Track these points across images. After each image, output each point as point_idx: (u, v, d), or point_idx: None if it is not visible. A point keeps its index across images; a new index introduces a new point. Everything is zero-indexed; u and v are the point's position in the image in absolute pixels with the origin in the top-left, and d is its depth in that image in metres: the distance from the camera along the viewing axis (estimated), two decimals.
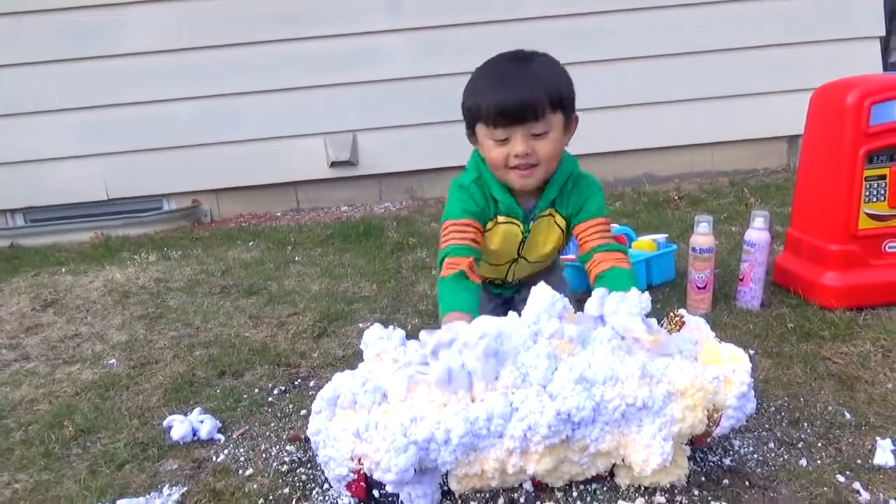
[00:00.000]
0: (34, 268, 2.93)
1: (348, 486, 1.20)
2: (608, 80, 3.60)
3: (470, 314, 1.45)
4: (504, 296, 1.93)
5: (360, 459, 1.16)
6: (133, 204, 3.70)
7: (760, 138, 3.77)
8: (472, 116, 1.56)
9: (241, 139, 3.61)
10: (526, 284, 1.86)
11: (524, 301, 1.49)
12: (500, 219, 1.65)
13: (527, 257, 1.75)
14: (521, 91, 1.47)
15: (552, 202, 1.65)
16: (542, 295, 1.26)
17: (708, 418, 1.18)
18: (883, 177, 1.83)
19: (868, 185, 1.83)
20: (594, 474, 1.21)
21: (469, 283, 1.56)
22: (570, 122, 1.57)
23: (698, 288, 1.95)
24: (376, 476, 1.14)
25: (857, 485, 1.21)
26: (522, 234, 1.68)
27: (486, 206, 1.64)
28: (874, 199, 1.84)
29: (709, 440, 1.28)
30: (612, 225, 1.74)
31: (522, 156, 1.51)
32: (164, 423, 1.53)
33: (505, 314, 1.29)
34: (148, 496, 1.30)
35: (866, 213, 1.85)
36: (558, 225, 1.69)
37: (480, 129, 1.55)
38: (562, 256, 2.19)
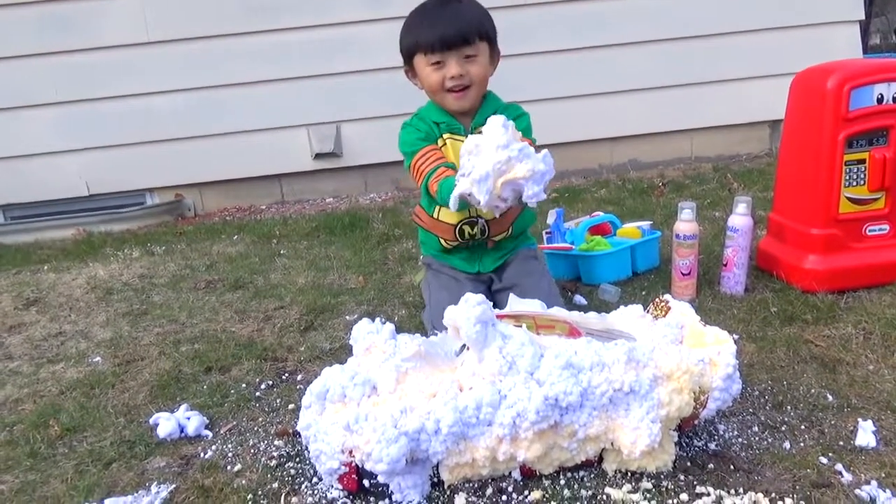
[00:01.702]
0: (15, 266, 2.90)
1: (340, 479, 1.21)
2: (591, 69, 3.60)
3: None
4: (481, 276, 1.91)
5: (351, 452, 1.16)
6: (115, 199, 3.66)
7: (742, 123, 3.79)
8: (411, 49, 1.76)
9: (224, 132, 3.59)
10: (503, 270, 1.89)
11: (505, 290, 1.51)
12: (446, 136, 1.81)
13: None
14: (454, 20, 1.70)
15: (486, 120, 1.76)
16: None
17: (695, 400, 1.20)
18: (862, 161, 1.85)
19: (848, 170, 1.85)
20: (584, 460, 1.22)
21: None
22: (494, 54, 1.79)
23: (683, 274, 1.97)
24: (368, 467, 1.15)
25: (839, 466, 1.22)
26: None
27: (430, 131, 1.81)
28: (854, 184, 1.86)
29: (696, 423, 1.30)
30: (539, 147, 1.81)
31: (457, 77, 1.72)
32: (151, 420, 1.52)
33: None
34: (136, 494, 1.30)
35: (847, 198, 1.87)
36: None
37: (419, 60, 1.75)
38: (545, 245, 2.21)
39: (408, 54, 1.78)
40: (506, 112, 1.76)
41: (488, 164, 1.41)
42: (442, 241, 1.87)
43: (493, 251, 1.90)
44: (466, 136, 1.70)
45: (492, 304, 1.30)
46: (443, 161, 1.74)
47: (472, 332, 1.18)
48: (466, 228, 1.83)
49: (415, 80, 1.83)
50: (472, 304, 1.20)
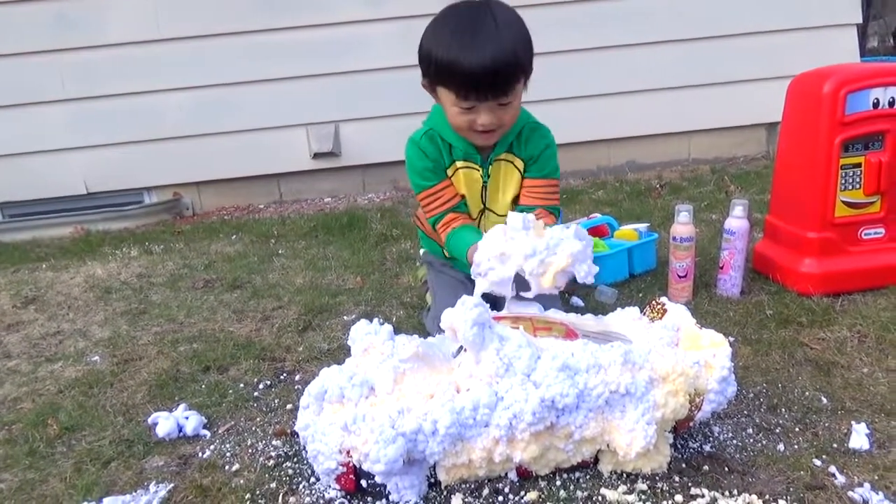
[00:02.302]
0: (13, 264, 2.90)
1: (338, 480, 1.21)
2: (588, 70, 3.61)
3: None
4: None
5: (348, 452, 1.17)
6: (113, 198, 3.65)
7: (740, 126, 3.80)
8: (436, 77, 1.54)
9: (223, 131, 3.58)
10: None
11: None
12: (459, 164, 1.70)
13: (493, 209, 1.77)
14: (495, 61, 1.44)
15: (509, 146, 1.70)
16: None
17: (690, 403, 1.21)
18: (858, 165, 1.86)
19: (844, 174, 1.86)
20: (580, 461, 1.23)
21: (474, 228, 1.67)
22: (528, 80, 1.58)
23: (679, 277, 1.98)
24: (365, 467, 1.16)
25: (832, 468, 1.24)
26: (482, 178, 1.72)
27: (440, 155, 1.69)
28: (850, 187, 1.88)
29: (691, 425, 1.31)
30: (557, 187, 1.79)
31: (489, 125, 1.56)
32: (149, 419, 1.53)
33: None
34: (134, 493, 1.31)
35: (843, 201, 1.88)
36: (517, 169, 1.72)
37: (444, 92, 1.55)
38: None
39: (431, 76, 1.56)
40: (531, 137, 1.68)
41: (511, 271, 1.42)
42: (445, 251, 1.87)
43: None
44: (482, 168, 1.70)
45: (490, 305, 1.31)
46: (452, 204, 1.68)
47: (469, 334, 1.19)
48: None
49: (433, 96, 1.63)
50: (469, 307, 1.21)
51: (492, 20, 1.48)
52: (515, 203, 1.77)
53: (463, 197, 1.76)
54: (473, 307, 1.21)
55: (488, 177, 1.72)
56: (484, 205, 1.77)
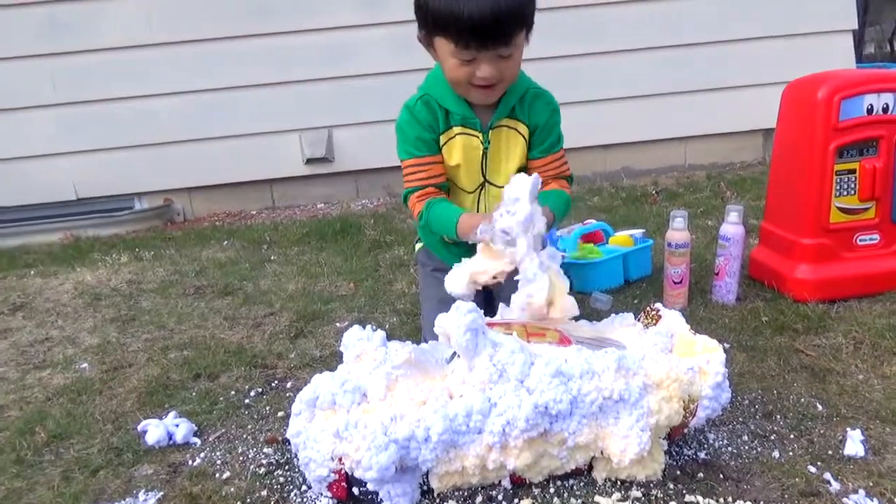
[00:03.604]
0: (1, 270, 2.90)
1: (329, 487, 1.22)
2: (585, 75, 3.63)
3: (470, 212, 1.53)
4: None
5: (340, 459, 1.18)
6: (103, 203, 3.66)
7: (737, 132, 3.83)
8: (433, 27, 1.47)
9: (215, 136, 3.59)
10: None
11: (506, 298, 1.50)
12: (456, 129, 1.63)
13: (494, 181, 1.70)
14: (494, 12, 1.38)
15: (511, 110, 1.63)
16: None
17: (684, 409, 1.21)
18: (853, 171, 1.88)
19: (839, 180, 1.88)
20: (573, 468, 1.23)
21: (448, 200, 1.62)
22: (529, 33, 1.53)
23: (674, 283, 1.99)
24: (357, 474, 1.16)
25: (827, 475, 1.24)
26: (483, 145, 1.65)
27: (435, 121, 1.62)
28: (845, 193, 1.89)
29: (685, 431, 1.32)
30: (566, 160, 1.78)
31: (489, 78, 1.49)
32: (139, 427, 1.53)
33: (485, 299, 1.32)
34: (123, 502, 1.31)
35: (837, 207, 1.90)
36: (521, 135, 1.66)
37: (442, 44, 1.48)
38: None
39: (428, 27, 1.49)
40: (534, 103, 1.63)
41: (527, 209, 1.41)
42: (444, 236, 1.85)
43: None
44: (482, 134, 1.63)
45: (484, 310, 1.31)
46: (436, 182, 1.63)
47: (463, 340, 1.19)
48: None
49: (430, 51, 1.56)
50: (463, 312, 1.22)
51: None
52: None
53: (447, 173, 1.68)
54: (467, 313, 1.21)
55: (489, 143, 1.64)
56: (484, 177, 1.69)
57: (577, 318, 1.49)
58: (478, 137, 1.64)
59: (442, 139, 1.65)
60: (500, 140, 1.66)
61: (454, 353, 1.28)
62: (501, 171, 1.69)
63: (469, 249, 1.80)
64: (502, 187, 1.66)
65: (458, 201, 1.74)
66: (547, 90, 1.69)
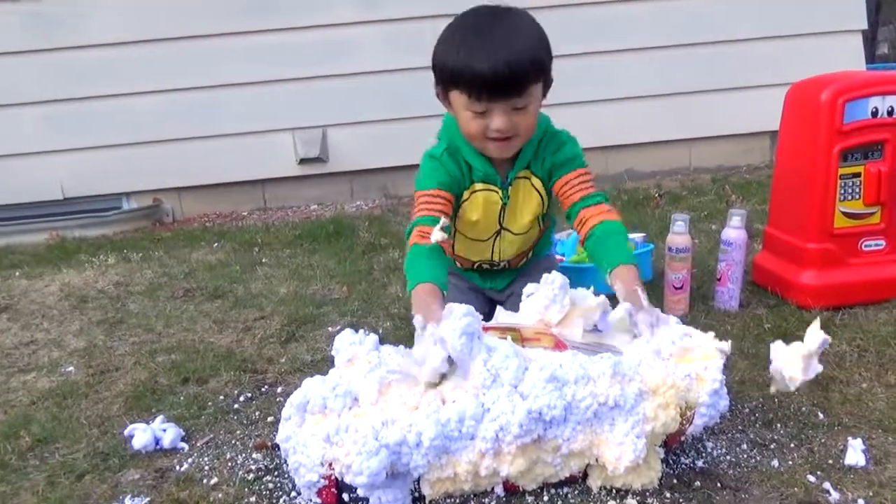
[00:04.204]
0: None
1: (319, 493, 1.23)
2: (586, 75, 3.65)
3: (441, 290, 1.49)
4: (492, 292, 1.93)
5: (330, 464, 1.19)
6: (91, 203, 3.67)
7: (743, 134, 3.85)
8: (449, 81, 1.54)
9: (206, 135, 3.61)
10: (515, 281, 1.88)
11: (515, 301, 1.52)
12: (478, 186, 1.67)
13: (510, 228, 1.76)
14: (508, 60, 1.44)
15: (528, 164, 1.68)
16: None
17: (681, 416, 1.23)
18: (857, 175, 1.90)
19: (843, 184, 1.90)
20: (568, 475, 1.25)
21: (442, 255, 1.58)
22: (548, 86, 1.58)
23: (675, 289, 2.01)
24: (347, 479, 1.17)
25: (827, 485, 1.26)
26: (502, 200, 1.70)
27: (461, 175, 1.66)
28: (849, 198, 1.91)
29: (682, 439, 1.34)
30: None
31: (503, 131, 1.53)
32: (126, 432, 1.54)
33: (489, 311, 1.33)
34: None
35: (842, 212, 1.92)
36: (535, 188, 1.70)
37: (456, 97, 1.54)
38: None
39: (444, 81, 1.56)
40: (547, 147, 1.65)
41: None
42: (456, 262, 1.89)
43: (509, 271, 1.90)
44: (501, 189, 1.68)
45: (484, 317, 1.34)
46: (440, 215, 1.60)
47: (458, 344, 1.21)
48: (486, 265, 1.86)
49: (446, 105, 1.63)
50: (458, 316, 1.24)
51: (507, 23, 1.50)
52: (538, 221, 1.76)
53: (462, 228, 1.74)
54: (462, 316, 1.23)
55: (508, 198, 1.70)
56: (500, 225, 1.75)
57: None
58: (498, 193, 1.69)
59: (465, 195, 1.69)
60: (518, 192, 1.71)
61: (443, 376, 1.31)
62: (517, 221, 1.75)
63: (477, 275, 1.85)
64: (517, 234, 1.76)
65: (471, 248, 1.81)
66: (561, 130, 1.72)
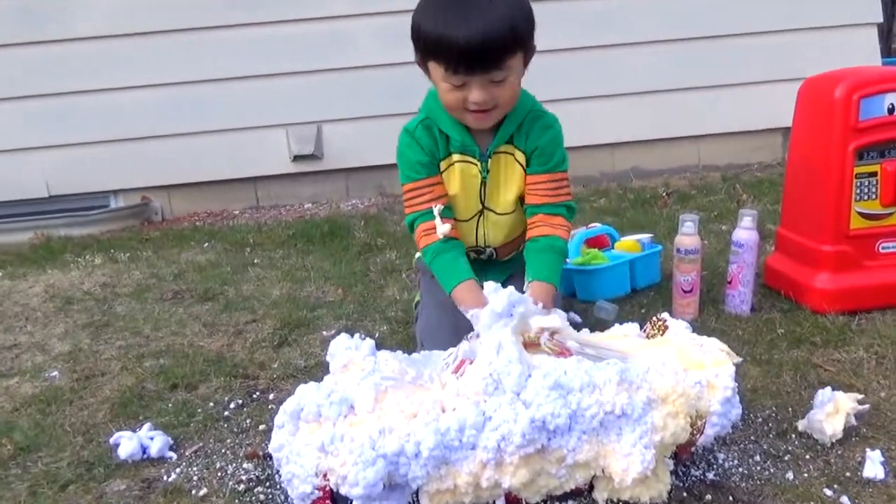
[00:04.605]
0: None
1: None
2: (592, 70, 3.65)
3: (475, 281, 1.55)
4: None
5: (325, 475, 1.18)
6: (77, 201, 3.66)
7: (754, 130, 3.83)
8: (425, 51, 1.54)
9: (196, 131, 3.60)
10: (511, 281, 1.86)
11: None
12: (456, 157, 1.68)
13: (493, 208, 1.74)
14: (484, 36, 1.43)
15: (510, 137, 1.67)
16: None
17: (691, 426, 1.22)
18: (874, 174, 1.89)
19: (859, 183, 1.89)
20: (573, 487, 1.24)
21: (457, 244, 1.64)
22: (528, 56, 1.57)
23: (684, 291, 2.00)
24: (343, 491, 1.16)
25: (844, 498, 1.25)
26: (481, 174, 1.69)
27: (435, 146, 1.67)
28: (866, 198, 1.90)
29: (693, 450, 1.33)
30: (566, 182, 1.75)
31: (481, 103, 1.53)
32: (111, 440, 1.53)
33: None
34: None
35: (858, 212, 1.91)
36: (519, 163, 1.70)
37: (434, 68, 1.54)
38: None
39: (422, 51, 1.56)
40: (532, 127, 1.66)
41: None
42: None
43: (500, 265, 1.89)
44: (480, 162, 1.67)
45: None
46: (435, 204, 1.64)
47: (500, 306, 1.26)
48: (472, 254, 1.85)
49: (426, 74, 1.62)
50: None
51: None
52: (521, 202, 1.75)
53: (447, 197, 1.72)
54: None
55: (487, 172, 1.69)
56: (483, 203, 1.74)
57: (578, 329, 1.50)
58: (476, 165, 1.69)
59: (441, 166, 1.70)
60: (499, 167, 1.71)
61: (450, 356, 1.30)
62: (500, 198, 1.74)
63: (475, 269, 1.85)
64: (501, 214, 1.74)
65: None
66: (549, 113, 1.72)
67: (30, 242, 3.38)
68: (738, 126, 3.82)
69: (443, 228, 1.61)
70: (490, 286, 1.33)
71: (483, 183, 1.71)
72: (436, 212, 1.59)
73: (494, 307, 1.29)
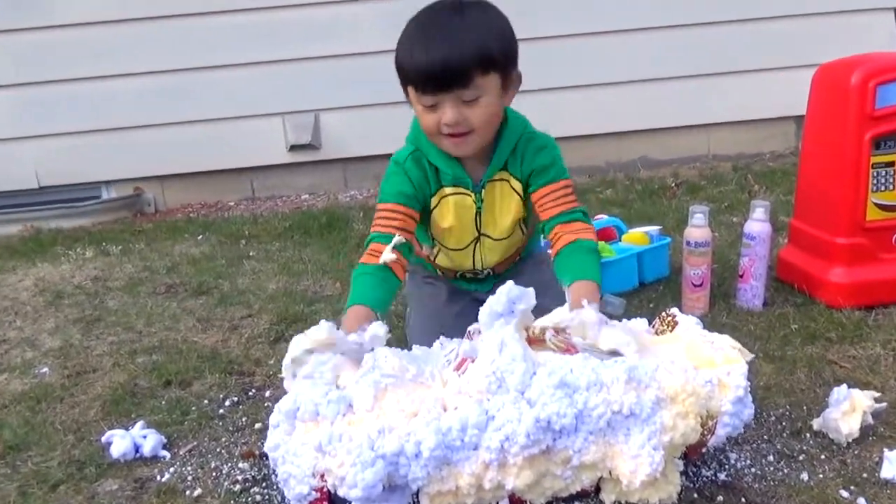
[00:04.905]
0: None
1: None
2: (597, 56, 3.63)
3: (375, 312, 1.52)
4: (478, 293, 1.91)
5: (322, 476, 1.18)
6: (67, 192, 3.66)
7: (766, 119, 3.81)
8: (401, 77, 1.58)
9: (190, 120, 3.59)
10: (503, 280, 1.86)
11: None
12: (448, 190, 1.68)
13: (489, 234, 1.75)
14: (446, 53, 1.47)
15: (504, 164, 1.67)
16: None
17: (702, 426, 1.21)
18: (891, 164, 1.88)
19: (875, 173, 1.88)
20: (579, 489, 1.23)
21: (388, 276, 1.61)
22: (509, 81, 1.58)
23: (694, 286, 1.99)
24: (341, 493, 1.16)
25: (861, 500, 1.24)
26: (476, 204, 1.69)
27: (426, 181, 1.67)
28: (882, 188, 1.89)
29: (703, 451, 1.32)
30: (572, 191, 1.71)
31: (452, 124, 1.53)
32: (103, 438, 1.53)
33: (474, 313, 1.33)
34: None
35: (875, 203, 1.90)
36: (515, 190, 1.69)
37: (410, 92, 1.57)
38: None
39: (401, 81, 1.60)
40: (526, 150, 1.65)
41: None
42: (438, 272, 1.89)
43: (496, 278, 1.86)
44: (473, 193, 1.67)
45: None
46: (400, 234, 1.62)
47: (500, 305, 1.25)
48: (469, 275, 1.85)
49: (411, 104, 1.65)
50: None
51: (462, 16, 1.52)
52: (520, 225, 1.75)
53: (437, 235, 1.75)
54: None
55: (482, 202, 1.69)
56: (478, 231, 1.74)
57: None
58: (470, 196, 1.68)
59: (433, 201, 1.69)
60: (494, 196, 1.70)
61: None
62: (497, 226, 1.74)
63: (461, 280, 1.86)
64: (497, 239, 1.75)
65: (452, 258, 1.81)
66: (541, 133, 1.71)
67: (19, 235, 3.39)
68: (749, 114, 3.80)
69: (387, 256, 1.59)
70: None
71: (478, 212, 1.71)
72: (394, 241, 1.59)
73: (494, 306, 1.28)
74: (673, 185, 3.35)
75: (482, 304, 1.80)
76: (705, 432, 1.22)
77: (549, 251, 1.67)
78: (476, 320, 1.46)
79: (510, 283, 1.31)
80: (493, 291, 1.83)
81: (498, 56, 1.52)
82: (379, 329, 1.37)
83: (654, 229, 2.33)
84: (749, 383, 1.25)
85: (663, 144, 3.83)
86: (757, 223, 1.95)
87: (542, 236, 1.92)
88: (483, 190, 1.68)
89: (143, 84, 3.52)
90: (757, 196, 2.99)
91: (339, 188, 3.81)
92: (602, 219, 2.35)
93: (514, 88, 1.61)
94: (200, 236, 3.13)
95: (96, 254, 2.94)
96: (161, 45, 3.49)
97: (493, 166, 1.66)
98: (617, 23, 3.61)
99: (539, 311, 1.69)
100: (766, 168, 3.58)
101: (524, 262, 1.90)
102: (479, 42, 1.49)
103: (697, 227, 1.97)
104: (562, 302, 1.58)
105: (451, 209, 1.69)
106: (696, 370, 1.24)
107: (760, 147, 3.86)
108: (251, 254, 2.83)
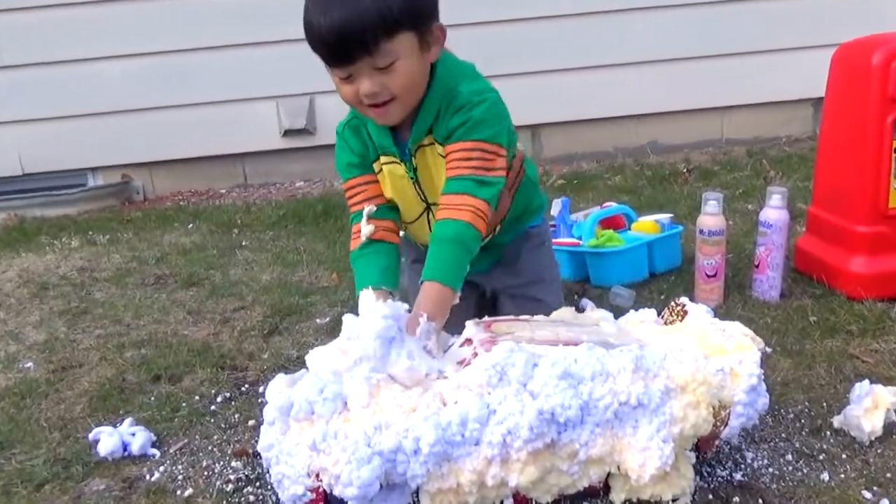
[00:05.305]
0: None
1: None
2: (605, 35, 3.61)
3: (384, 289, 1.54)
4: (478, 275, 1.81)
5: (317, 475, 1.18)
6: (52, 179, 3.67)
7: (782, 101, 3.81)
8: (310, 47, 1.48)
9: (180, 104, 3.59)
10: (502, 267, 1.81)
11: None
12: (383, 159, 1.63)
13: (437, 202, 1.64)
14: (343, 21, 1.37)
15: (430, 128, 1.59)
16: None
17: (714, 416, 1.21)
18: None
19: None
20: (586, 486, 1.23)
21: (380, 247, 1.62)
22: (428, 38, 1.47)
23: (707, 276, 1.99)
24: (336, 492, 1.16)
25: (885, 501, 1.24)
26: (408, 173, 1.63)
27: (365, 148, 1.63)
28: None
29: (717, 443, 1.31)
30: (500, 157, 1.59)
31: (370, 95, 1.45)
32: (90, 436, 1.53)
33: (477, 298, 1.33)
34: None
35: None
36: (441, 155, 1.60)
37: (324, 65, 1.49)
38: (554, 240, 2.21)
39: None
40: (447, 110, 1.54)
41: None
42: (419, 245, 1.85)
43: (485, 252, 1.75)
44: (402, 161, 1.61)
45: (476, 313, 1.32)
46: (375, 203, 1.62)
47: (370, 346, 1.24)
48: None
49: None
50: (379, 317, 1.27)
51: None
52: None
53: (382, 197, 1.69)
54: (382, 318, 1.26)
55: (415, 170, 1.63)
56: (425, 201, 1.68)
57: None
58: (401, 166, 1.63)
59: (376, 168, 1.66)
60: (426, 161, 1.63)
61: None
62: (439, 193, 1.63)
63: None
64: None
65: (413, 231, 1.77)
66: (470, 89, 1.57)
67: (2, 224, 3.40)
68: (765, 97, 3.79)
69: (366, 230, 1.57)
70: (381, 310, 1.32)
71: (415, 183, 1.65)
72: (365, 213, 1.57)
73: (377, 332, 1.27)
74: (685, 170, 3.35)
75: (479, 287, 1.82)
76: (718, 423, 1.22)
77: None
78: (474, 304, 1.47)
79: (384, 304, 1.35)
80: (491, 274, 1.84)
81: (401, 16, 1.41)
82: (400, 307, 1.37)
83: (665, 217, 2.33)
84: (762, 371, 1.25)
85: (674, 128, 3.83)
86: (773, 210, 1.95)
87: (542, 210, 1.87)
88: (414, 157, 1.61)
89: (130, 67, 3.52)
90: (773, 182, 2.99)
91: (334, 175, 3.77)
92: (611, 206, 2.35)
93: (438, 44, 1.50)
94: (191, 225, 3.14)
95: (82, 243, 2.94)
96: (150, 25, 3.48)
97: (418, 131, 1.57)
98: (626, 1, 3.60)
99: (535, 303, 1.70)
100: (782, 153, 3.57)
101: (521, 241, 1.81)
102: (378, 3, 1.38)
103: (711, 215, 1.96)
104: (557, 293, 1.58)
105: (387, 179, 1.65)
106: (707, 358, 1.24)
107: (777, 131, 3.85)
108: (244, 243, 2.83)
